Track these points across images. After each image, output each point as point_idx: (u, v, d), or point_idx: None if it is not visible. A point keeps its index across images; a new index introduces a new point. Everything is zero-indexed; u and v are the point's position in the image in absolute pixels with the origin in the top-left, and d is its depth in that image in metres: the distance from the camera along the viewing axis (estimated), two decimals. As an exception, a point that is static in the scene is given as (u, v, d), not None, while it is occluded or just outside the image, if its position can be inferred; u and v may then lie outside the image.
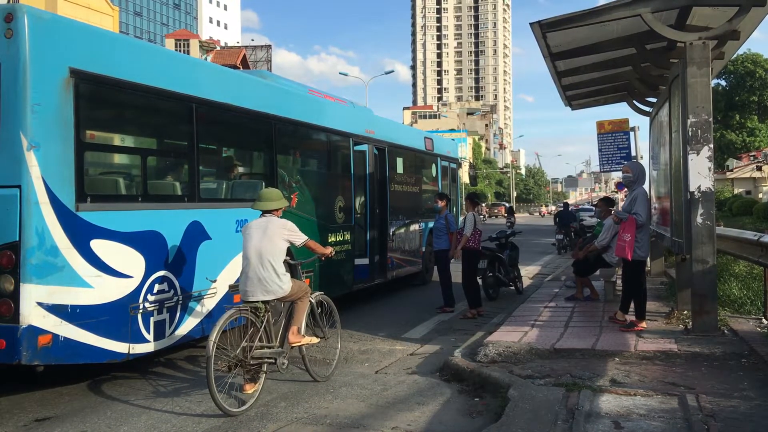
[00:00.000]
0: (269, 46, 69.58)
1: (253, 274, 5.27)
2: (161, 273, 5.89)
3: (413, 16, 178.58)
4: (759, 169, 52.83)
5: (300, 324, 5.61)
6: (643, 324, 7.26)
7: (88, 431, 4.68)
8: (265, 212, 5.53)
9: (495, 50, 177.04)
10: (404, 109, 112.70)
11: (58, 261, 4.98)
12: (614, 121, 14.55)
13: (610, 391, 5.06)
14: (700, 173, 6.66)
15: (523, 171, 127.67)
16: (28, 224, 4.82)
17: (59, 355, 4.97)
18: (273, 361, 5.33)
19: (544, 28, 7.23)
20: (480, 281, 10.03)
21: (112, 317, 5.36)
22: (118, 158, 6.29)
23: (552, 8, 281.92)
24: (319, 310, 6.06)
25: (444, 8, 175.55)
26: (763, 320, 7.43)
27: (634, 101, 11.49)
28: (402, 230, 11.76)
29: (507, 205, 50.08)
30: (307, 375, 5.83)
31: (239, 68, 60.25)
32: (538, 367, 5.85)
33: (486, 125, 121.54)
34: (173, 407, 5.16)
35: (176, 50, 60.16)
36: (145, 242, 5.75)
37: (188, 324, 6.22)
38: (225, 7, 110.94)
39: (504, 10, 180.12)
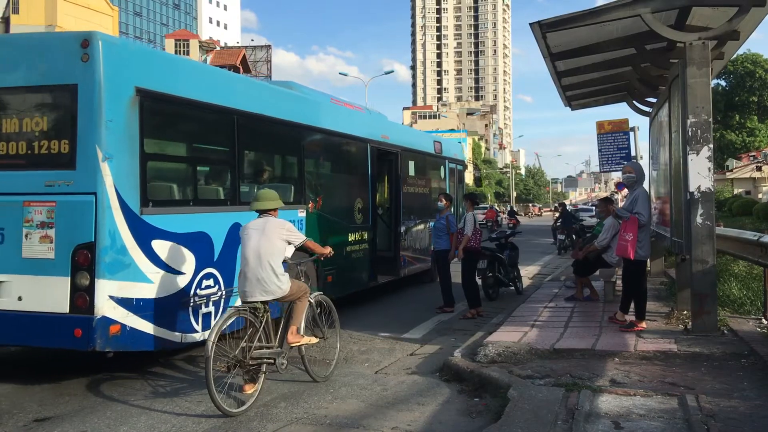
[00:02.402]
0: (269, 46, 69.45)
1: (251, 274, 5.27)
2: (208, 270, 6.46)
3: (413, 16, 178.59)
4: (759, 169, 52.83)
5: (299, 324, 5.61)
6: (643, 324, 7.26)
7: (88, 431, 4.68)
8: (262, 213, 5.53)
9: (495, 50, 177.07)
10: (404, 109, 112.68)
11: (126, 259, 5.56)
12: (614, 121, 14.55)
13: (610, 391, 5.06)
14: (700, 173, 6.66)
15: (522, 171, 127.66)
16: (102, 227, 5.40)
17: (126, 343, 5.54)
18: (272, 361, 5.32)
19: (544, 29, 7.23)
20: (480, 281, 10.03)
21: (168, 309, 5.94)
22: (173, 167, 6.79)
23: (552, 8, 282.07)
24: (319, 310, 6.06)
25: (444, 8, 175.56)
26: (763, 320, 7.42)
27: (634, 101, 11.49)
28: (413, 230, 12.10)
29: (509, 207, 50.59)
30: (307, 375, 5.82)
31: (239, 68, 60.30)
32: (538, 367, 5.84)
33: (486, 125, 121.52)
34: (173, 407, 5.16)
35: (176, 50, 60.33)
36: (195, 242, 6.34)
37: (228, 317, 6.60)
38: (225, 8, 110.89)
39: (504, 10, 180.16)
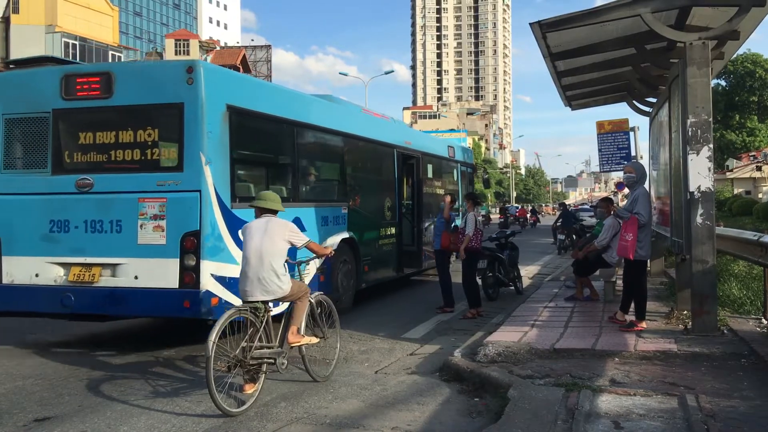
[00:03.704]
0: (269, 46, 69.33)
1: (252, 274, 5.27)
2: None
3: (413, 16, 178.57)
4: (759, 169, 52.80)
5: (299, 324, 5.61)
6: (643, 324, 7.26)
7: (88, 431, 4.68)
8: (264, 213, 5.53)
9: (495, 50, 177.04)
10: (404, 109, 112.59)
11: (221, 244, 6.75)
12: (614, 121, 14.56)
13: (610, 391, 5.06)
14: (700, 173, 6.66)
15: (522, 171, 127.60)
16: (204, 218, 6.57)
17: (221, 313, 5.99)
18: (272, 361, 5.32)
19: (544, 28, 7.23)
20: (480, 281, 10.03)
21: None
22: (251, 169, 8.09)
23: (552, 8, 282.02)
24: (319, 310, 6.06)
25: (444, 8, 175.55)
26: (763, 320, 7.43)
27: (634, 101, 11.49)
28: (431, 227, 12.45)
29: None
30: (307, 375, 5.82)
31: (239, 68, 60.29)
32: (538, 367, 5.84)
33: (486, 125, 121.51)
34: (173, 407, 5.16)
35: (176, 50, 60.23)
36: None
37: None
38: (225, 7, 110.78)
39: (504, 10, 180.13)
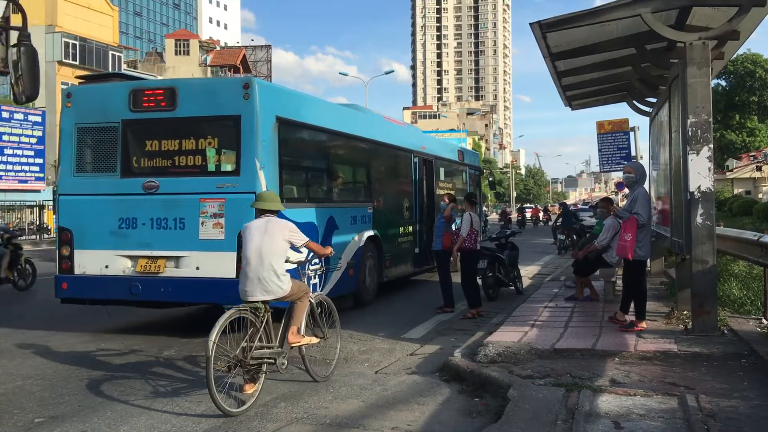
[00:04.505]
0: (269, 46, 69.38)
1: (252, 274, 5.27)
2: None
3: (413, 16, 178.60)
4: (759, 169, 52.80)
5: (300, 324, 5.61)
6: (643, 324, 7.26)
7: (88, 431, 4.68)
8: (263, 213, 5.53)
9: (495, 50, 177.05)
10: (404, 109, 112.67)
11: None
12: (614, 121, 14.58)
13: (610, 391, 5.06)
14: (700, 173, 6.66)
15: (522, 171, 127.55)
16: None
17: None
18: (273, 361, 5.32)
19: (544, 28, 7.23)
20: (480, 281, 10.03)
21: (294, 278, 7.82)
22: (294, 173, 8.81)
23: (552, 8, 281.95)
24: (319, 310, 6.06)
25: (444, 8, 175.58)
26: (763, 320, 7.43)
27: (634, 101, 11.48)
28: None
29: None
30: (307, 375, 5.82)
31: (239, 68, 60.23)
32: (538, 367, 5.84)
33: (486, 125, 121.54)
34: (173, 407, 5.16)
35: (176, 50, 60.23)
36: (308, 229, 8.18)
37: (327, 287, 8.83)
38: (225, 7, 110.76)
39: (504, 10, 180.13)
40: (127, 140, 7.88)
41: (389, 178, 11.85)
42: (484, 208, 36.61)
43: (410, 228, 12.34)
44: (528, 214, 47.27)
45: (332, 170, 9.83)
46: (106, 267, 7.79)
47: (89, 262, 7.84)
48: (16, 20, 5.10)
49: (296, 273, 5.97)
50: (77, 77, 10.16)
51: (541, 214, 48.00)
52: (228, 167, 7.58)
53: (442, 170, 14.22)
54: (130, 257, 7.73)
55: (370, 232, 10.41)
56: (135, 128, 7.90)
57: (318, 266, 8.05)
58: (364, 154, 10.74)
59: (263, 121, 7.52)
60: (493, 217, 51.08)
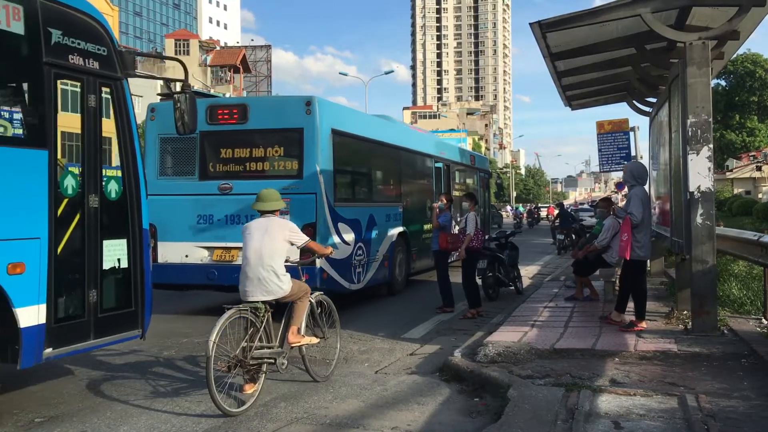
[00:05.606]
0: (269, 46, 69.45)
1: (252, 274, 5.27)
2: (359, 243, 9.86)
3: (413, 16, 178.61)
4: (759, 169, 52.83)
5: (300, 324, 5.60)
6: (643, 324, 7.26)
7: (88, 431, 4.68)
8: (265, 213, 5.52)
9: (495, 50, 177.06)
10: (404, 109, 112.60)
11: (329, 232, 8.97)
12: (614, 121, 14.56)
13: (610, 391, 5.06)
14: (700, 173, 6.66)
15: (522, 171, 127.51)
16: (318, 213, 8.78)
17: (328, 285, 8.62)
18: (273, 361, 5.32)
19: (544, 28, 7.23)
20: (480, 281, 10.03)
21: (342, 267, 9.31)
22: (345, 177, 10.09)
23: (551, 8, 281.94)
24: (319, 310, 6.06)
25: (444, 8, 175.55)
26: (763, 320, 7.43)
27: (634, 101, 11.48)
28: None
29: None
30: (307, 375, 5.82)
31: (239, 68, 60.16)
32: (538, 367, 5.85)
33: (486, 125, 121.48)
34: (173, 407, 5.16)
35: (176, 50, 60.21)
36: (354, 225, 9.75)
37: (368, 276, 10.24)
38: (225, 7, 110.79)
39: (504, 10, 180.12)
40: (204, 149, 9.21)
41: (415, 180, 13.05)
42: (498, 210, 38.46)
43: (431, 225, 12.87)
44: (543, 213, 51.40)
45: (372, 174, 11.28)
46: (186, 256, 9.02)
47: (170, 252, 9.05)
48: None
49: (296, 273, 5.97)
50: (158, 94, 11.27)
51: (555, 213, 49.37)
52: (293, 172, 8.91)
53: (457, 173, 15.46)
54: (207, 248, 9.02)
55: (400, 229, 11.56)
56: (211, 138, 9.21)
57: (362, 257, 9.60)
58: (396, 159, 11.97)
59: (322, 132, 8.86)
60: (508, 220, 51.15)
